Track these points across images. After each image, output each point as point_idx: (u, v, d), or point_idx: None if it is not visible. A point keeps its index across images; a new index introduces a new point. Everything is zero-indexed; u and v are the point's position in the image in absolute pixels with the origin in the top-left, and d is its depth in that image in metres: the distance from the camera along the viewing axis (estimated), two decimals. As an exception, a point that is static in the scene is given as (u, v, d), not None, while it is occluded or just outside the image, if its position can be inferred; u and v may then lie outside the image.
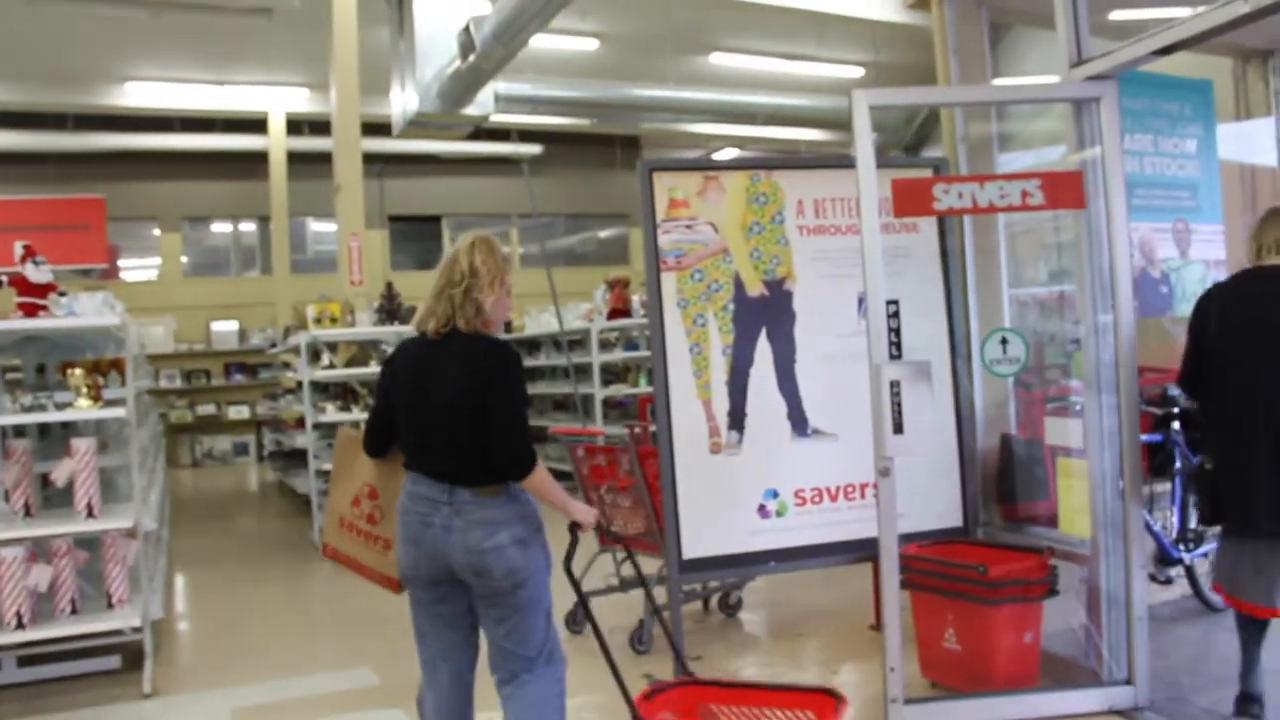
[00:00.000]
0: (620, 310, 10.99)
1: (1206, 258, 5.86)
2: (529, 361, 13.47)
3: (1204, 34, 4.16)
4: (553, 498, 3.41)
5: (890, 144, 13.86)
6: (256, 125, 17.00)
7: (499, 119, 12.02)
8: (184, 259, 18.89)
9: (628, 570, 6.22)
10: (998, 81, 6.10)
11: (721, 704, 3.72)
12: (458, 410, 3.31)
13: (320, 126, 14.49)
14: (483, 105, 11.07)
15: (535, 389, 13.02)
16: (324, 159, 12.21)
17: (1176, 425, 5.88)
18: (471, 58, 9.64)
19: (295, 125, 17.07)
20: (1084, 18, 4.75)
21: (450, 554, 3.32)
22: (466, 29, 9.53)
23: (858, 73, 15.09)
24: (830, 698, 3.59)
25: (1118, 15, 5.63)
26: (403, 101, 10.94)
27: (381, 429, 3.58)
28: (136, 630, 5.49)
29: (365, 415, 9.14)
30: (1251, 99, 6.85)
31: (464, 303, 3.34)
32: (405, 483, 3.45)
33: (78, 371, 5.49)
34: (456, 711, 3.58)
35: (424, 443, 3.40)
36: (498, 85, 11.14)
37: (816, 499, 5.04)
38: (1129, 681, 4.48)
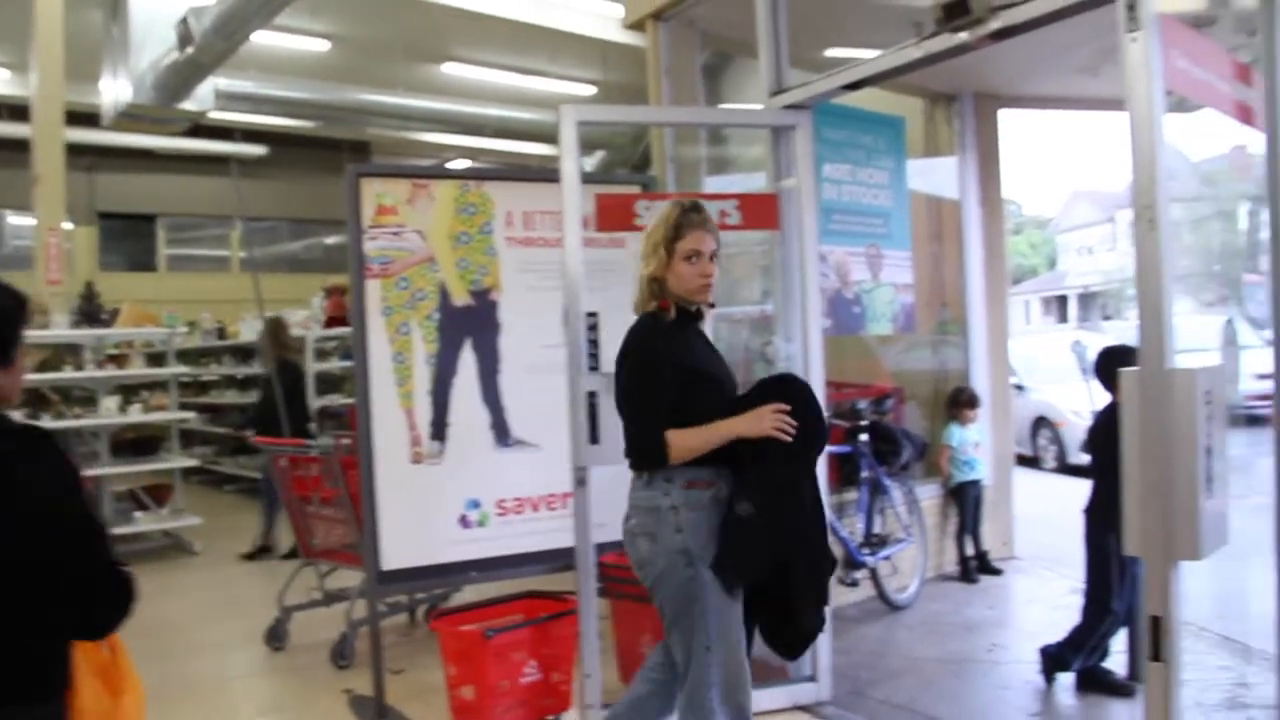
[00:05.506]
0: (338, 318, 10.57)
1: (895, 281, 6.25)
2: (242, 369, 12.98)
3: (885, 73, 4.48)
4: (707, 442, 3.13)
5: (617, 162, 14.19)
6: (-54, 107, 15.65)
7: (220, 116, 11.54)
8: None
9: (331, 584, 6.09)
10: (721, 107, 6.34)
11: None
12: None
13: (21, 111, 13.49)
14: (201, 100, 10.57)
15: (247, 398, 12.48)
16: (25, 147, 11.38)
17: (864, 437, 6.27)
18: (190, 50, 9.21)
19: (-7, 108, 15.79)
20: (784, 50, 5.01)
21: None
22: (185, 20, 9.09)
23: (590, 90, 15.32)
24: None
25: (832, 52, 5.97)
26: (114, 90, 10.27)
27: None
28: None
29: (56, 423, 8.67)
30: (939, 137, 7.42)
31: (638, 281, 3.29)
32: None
33: None
34: (637, 696, 3.54)
35: None
36: (218, 80, 10.67)
37: (519, 509, 5.06)
38: (813, 678, 4.74)
